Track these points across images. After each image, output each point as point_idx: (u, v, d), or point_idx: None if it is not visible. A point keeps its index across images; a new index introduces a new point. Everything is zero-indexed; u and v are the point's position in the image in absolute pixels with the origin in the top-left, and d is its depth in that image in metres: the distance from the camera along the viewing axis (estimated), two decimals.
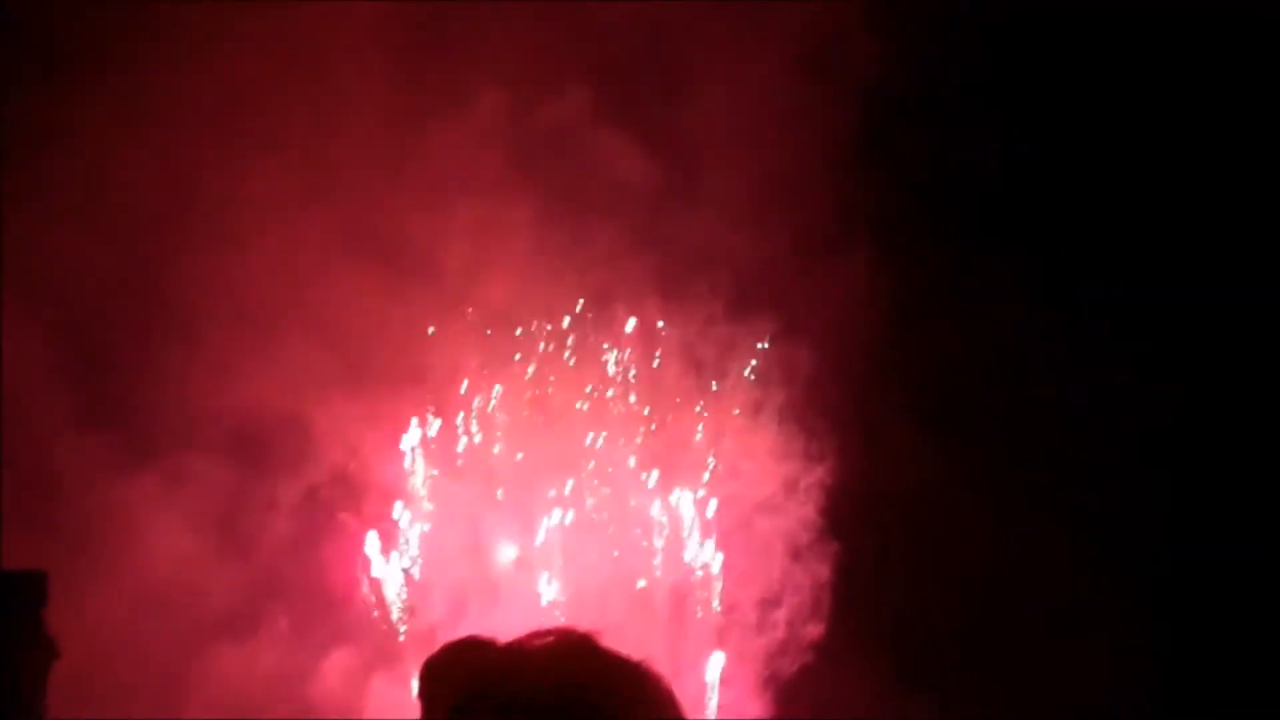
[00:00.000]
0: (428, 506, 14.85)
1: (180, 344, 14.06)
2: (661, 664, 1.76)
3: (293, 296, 14.28)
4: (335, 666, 14.23)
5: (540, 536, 14.74)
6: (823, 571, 14.35)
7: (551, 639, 1.74)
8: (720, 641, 14.61)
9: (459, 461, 14.93)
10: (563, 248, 14.52)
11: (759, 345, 14.89)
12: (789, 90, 14.21)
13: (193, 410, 14.13)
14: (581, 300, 14.95)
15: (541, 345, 15.05)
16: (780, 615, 14.43)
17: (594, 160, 14.59)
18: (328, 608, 14.41)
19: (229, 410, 14.16)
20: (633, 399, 15.13)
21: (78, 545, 13.00)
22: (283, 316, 14.29)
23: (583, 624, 1.80)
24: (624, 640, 1.76)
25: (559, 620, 13.80)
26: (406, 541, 14.69)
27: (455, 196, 14.52)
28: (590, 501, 14.88)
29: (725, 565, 14.75)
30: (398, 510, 14.73)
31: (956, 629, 13.66)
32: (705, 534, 14.82)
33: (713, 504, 14.84)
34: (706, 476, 14.96)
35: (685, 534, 14.77)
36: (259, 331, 14.17)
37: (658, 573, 14.65)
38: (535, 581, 14.68)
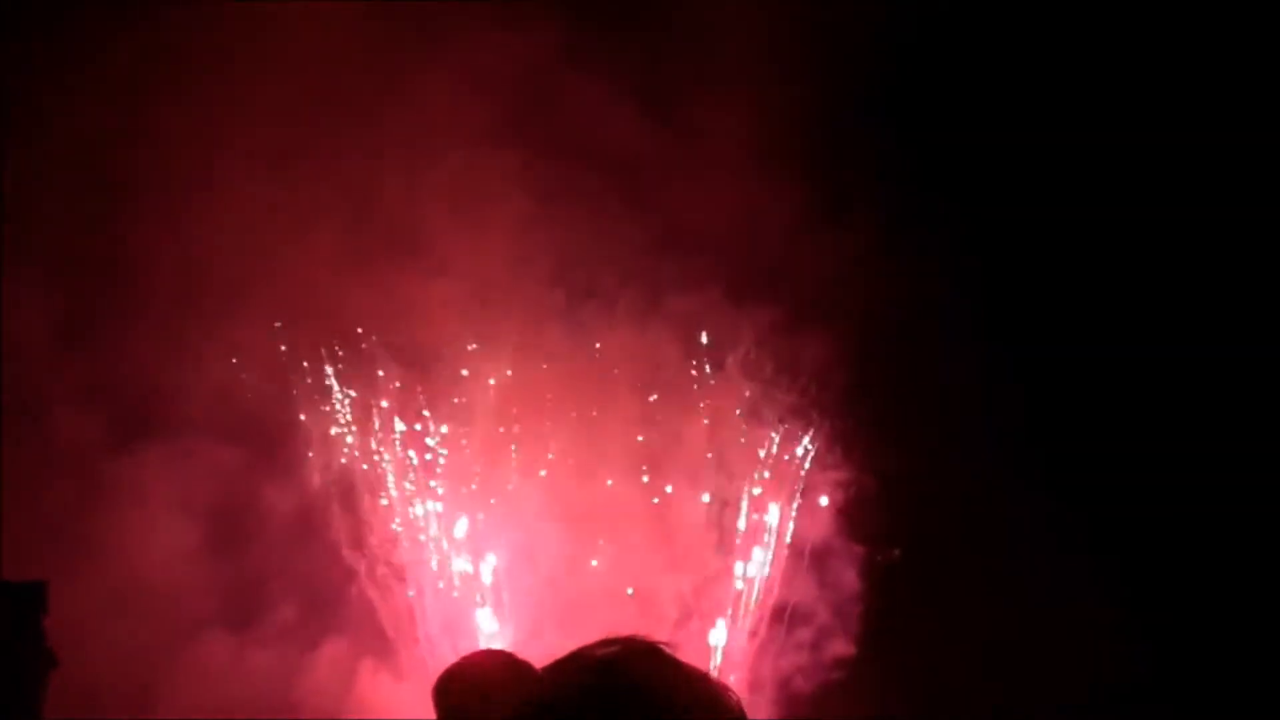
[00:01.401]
0: (415, 502, 14.45)
1: (154, 333, 13.44)
2: None
3: (273, 283, 13.69)
4: (327, 664, 13.86)
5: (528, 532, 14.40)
6: (846, 582, 13.93)
7: (618, 647, 1.73)
8: (728, 654, 14.21)
9: (442, 458, 14.52)
10: (551, 226, 14.03)
11: (768, 333, 14.42)
12: (800, 49, 13.35)
13: (177, 402, 13.59)
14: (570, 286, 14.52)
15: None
16: (801, 631, 13.99)
17: (587, 129, 14.01)
18: (321, 604, 13.99)
19: (214, 402, 13.64)
20: (615, 373, 14.69)
21: (59, 544, 12.49)
22: (263, 305, 13.79)
23: (580, 631, 1.52)
24: None
25: (552, 623, 13.49)
26: (396, 538, 14.21)
27: (441, 185, 14.04)
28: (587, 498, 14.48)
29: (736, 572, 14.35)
30: (385, 507, 14.22)
31: (987, 647, 13.15)
32: (715, 540, 14.44)
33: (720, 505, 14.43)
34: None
35: (692, 540, 14.37)
36: (232, 320, 13.63)
37: (662, 579, 14.23)
38: (526, 583, 14.29)
